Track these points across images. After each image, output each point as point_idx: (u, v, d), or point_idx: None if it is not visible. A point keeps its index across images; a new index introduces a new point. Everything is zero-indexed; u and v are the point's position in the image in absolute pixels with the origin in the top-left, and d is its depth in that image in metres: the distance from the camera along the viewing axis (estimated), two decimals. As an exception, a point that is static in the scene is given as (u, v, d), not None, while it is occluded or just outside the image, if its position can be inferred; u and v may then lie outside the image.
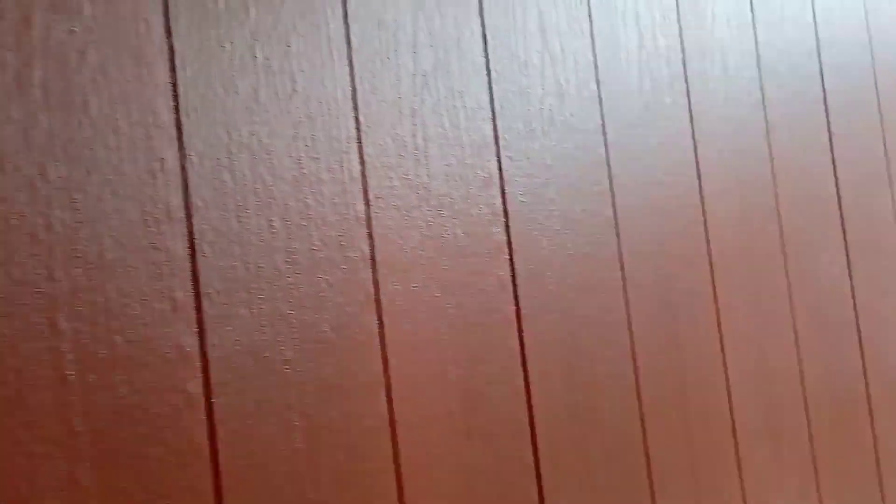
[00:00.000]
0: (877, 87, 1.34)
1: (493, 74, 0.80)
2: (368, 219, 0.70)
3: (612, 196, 0.90)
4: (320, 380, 0.65)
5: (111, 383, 0.55)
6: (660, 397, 0.92)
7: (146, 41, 0.58)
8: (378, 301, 0.69)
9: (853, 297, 1.24)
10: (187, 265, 0.59)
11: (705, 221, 1.02)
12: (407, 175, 0.73)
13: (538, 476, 0.79)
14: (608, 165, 0.90)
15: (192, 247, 0.60)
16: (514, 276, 0.80)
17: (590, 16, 0.91)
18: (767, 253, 1.11)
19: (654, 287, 0.94)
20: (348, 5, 0.69)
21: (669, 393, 0.94)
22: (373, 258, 0.69)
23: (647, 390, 0.91)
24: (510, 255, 0.80)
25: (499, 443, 0.77)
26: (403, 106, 0.73)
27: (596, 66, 0.91)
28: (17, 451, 0.51)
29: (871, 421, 1.24)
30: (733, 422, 1.01)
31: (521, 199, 0.81)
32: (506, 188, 0.80)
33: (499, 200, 0.79)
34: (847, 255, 1.24)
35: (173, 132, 0.59)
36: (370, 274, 0.69)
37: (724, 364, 1.01)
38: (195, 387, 0.59)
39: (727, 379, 1.01)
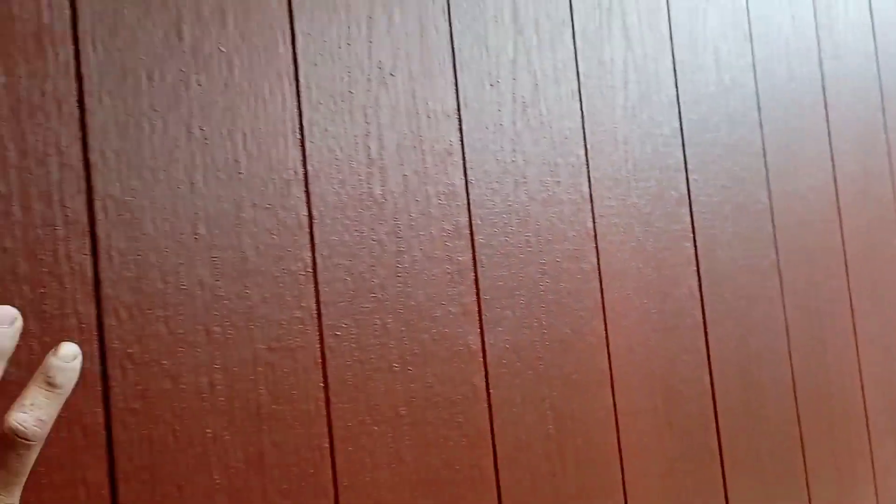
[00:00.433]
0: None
1: (683, 106, 0.89)
2: (595, 235, 0.79)
3: (772, 212, 0.99)
4: (563, 376, 0.75)
5: (423, 374, 0.65)
6: (810, 396, 1.02)
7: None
8: (604, 307, 0.79)
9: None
10: (471, 275, 0.69)
11: (842, 233, 1.11)
12: (622, 197, 0.82)
13: (721, 463, 0.89)
14: (768, 185, 0.99)
15: (474, 259, 0.69)
16: (700, 286, 0.89)
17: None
18: (887, 258, 1.19)
19: (805, 295, 1.03)
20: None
21: (818, 393, 1.03)
22: (599, 269, 0.79)
23: (801, 390, 1.00)
24: (697, 267, 0.89)
25: (692, 434, 0.86)
26: (618, 135, 0.83)
27: (757, 95, 1.00)
28: (361, 431, 0.61)
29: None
30: (867, 419, 1.10)
31: (705, 216, 0.91)
32: (693, 207, 0.90)
33: (688, 218, 0.89)
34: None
35: (459, 159, 0.69)
36: (598, 283, 0.79)
37: (859, 366, 1.10)
38: (479, 380, 0.69)
39: (861, 380, 1.11)
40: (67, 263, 0.50)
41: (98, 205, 0.51)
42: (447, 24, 0.70)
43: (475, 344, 0.69)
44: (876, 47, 1.21)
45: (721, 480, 0.89)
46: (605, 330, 0.79)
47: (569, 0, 0.79)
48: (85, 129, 0.51)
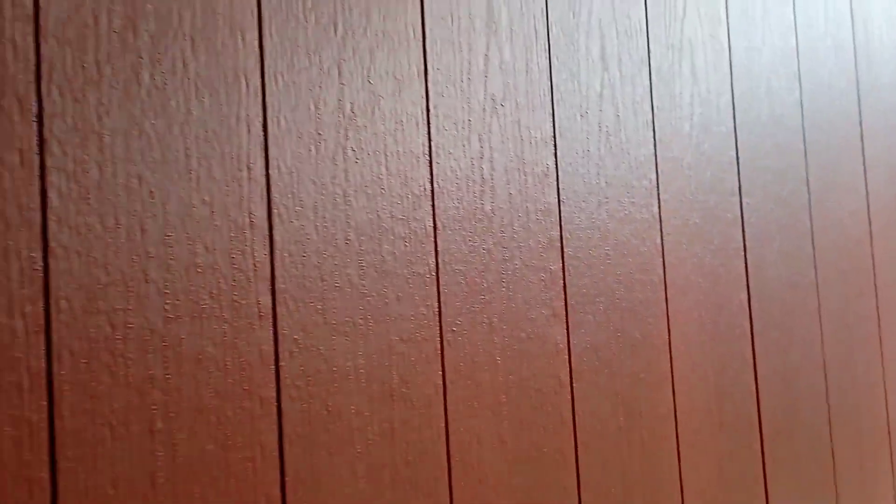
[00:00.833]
0: None
1: (739, 136, 0.99)
2: (663, 250, 0.89)
3: (812, 235, 1.09)
4: (633, 374, 0.84)
5: (519, 368, 0.75)
6: (841, 403, 1.11)
7: (549, 115, 0.77)
8: (668, 315, 0.88)
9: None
10: (561, 282, 0.79)
11: (873, 257, 1.20)
12: (685, 217, 0.92)
13: (763, 463, 0.98)
14: (810, 210, 1.09)
15: (563, 268, 0.79)
16: (749, 300, 0.99)
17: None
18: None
19: (838, 312, 1.12)
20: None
21: (847, 400, 1.12)
22: (665, 282, 0.89)
23: (833, 397, 1.10)
24: (747, 282, 0.99)
25: (739, 434, 0.96)
26: (684, 162, 0.92)
27: (803, 127, 1.10)
28: (470, 414, 0.71)
29: None
30: (888, 425, 1.20)
31: (755, 237, 1.00)
32: (745, 228, 0.99)
33: (740, 237, 0.98)
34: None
35: (553, 180, 0.79)
36: (663, 294, 0.88)
37: (883, 376, 1.20)
38: (564, 374, 0.78)
39: (885, 389, 1.20)
40: (252, 261, 0.59)
41: (275, 212, 0.61)
42: (547, 61, 0.79)
43: (562, 343, 0.78)
44: (908, 84, 1.31)
45: (762, 476, 0.98)
46: (668, 335, 0.89)
47: (647, 41, 0.89)
48: (267, 150, 0.60)
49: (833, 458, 1.09)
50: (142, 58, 0.55)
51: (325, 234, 0.63)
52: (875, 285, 1.20)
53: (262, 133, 0.60)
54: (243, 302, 0.58)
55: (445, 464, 0.69)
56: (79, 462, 0.50)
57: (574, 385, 0.79)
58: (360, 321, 0.65)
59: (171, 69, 0.56)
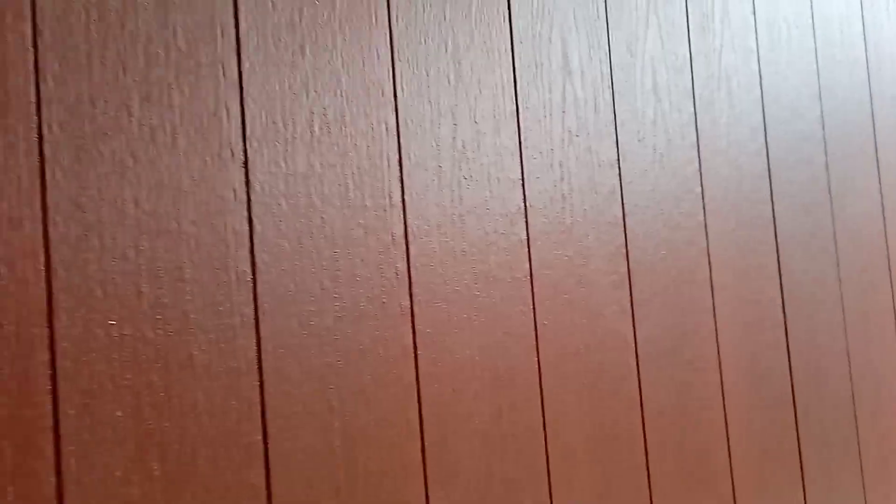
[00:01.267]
0: None
1: (770, 151, 1.13)
2: (709, 253, 1.03)
3: (835, 237, 1.23)
4: (686, 361, 0.99)
5: (597, 359, 0.89)
6: (862, 382, 1.25)
7: (616, 142, 0.92)
8: (714, 308, 1.02)
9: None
10: (627, 284, 0.93)
11: (888, 254, 1.34)
12: (725, 223, 1.06)
13: (799, 450, 1.12)
14: (832, 214, 1.23)
15: (629, 271, 0.93)
16: (782, 294, 1.13)
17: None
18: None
19: (859, 303, 1.26)
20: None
21: (867, 380, 1.26)
22: (711, 281, 1.03)
23: (855, 377, 1.23)
24: (780, 279, 1.13)
25: (772, 417, 1.10)
26: (722, 174, 1.06)
27: (825, 141, 1.24)
28: (562, 398, 0.85)
29: None
30: (906, 408, 1.34)
31: (785, 239, 1.14)
32: (777, 231, 1.13)
33: (773, 240, 1.12)
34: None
35: (618, 197, 0.93)
36: (710, 292, 1.02)
37: (900, 364, 1.34)
38: (633, 361, 0.92)
39: (902, 375, 1.34)
40: (394, 271, 0.73)
41: (410, 231, 0.75)
42: (611, 96, 0.94)
43: (629, 335, 0.93)
44: (915, 97, 1.45)
45: (798, 457, 1.12)
46: (715, 326, 1.03)
47: (691, 73, 1.03)
48: (402, 181, 0.75)
49: (857, 428, 1.23)
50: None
51: (446, 248, 0.77)
52: (891, 279, 1.34)
53: (398, 168, 0.74)
54: (389, 302, 0.73)
55: (543, 436, 0.83)
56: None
57: (641, 374, 0.93)
58: (475, 318, 0.79)
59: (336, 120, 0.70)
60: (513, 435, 0.80)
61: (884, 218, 1.34)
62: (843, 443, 1.21)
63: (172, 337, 0.61)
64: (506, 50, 0.84)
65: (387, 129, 0.74)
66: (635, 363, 0.93)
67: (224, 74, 0.65)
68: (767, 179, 1.13)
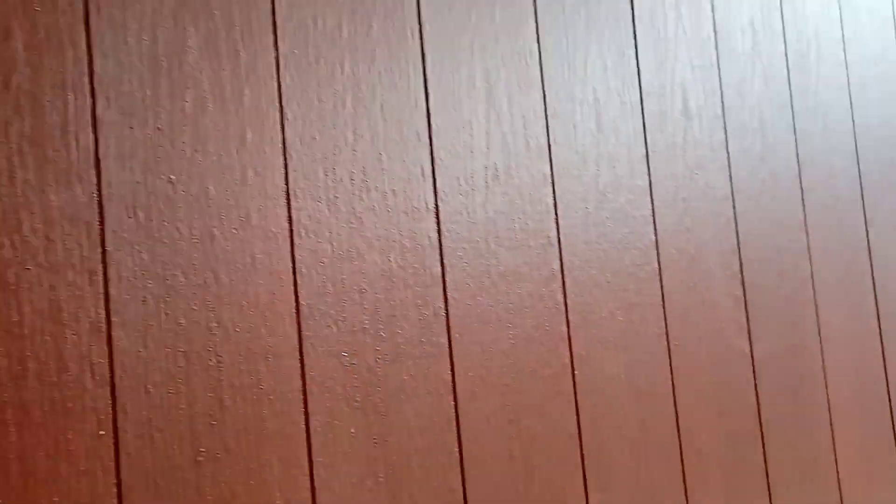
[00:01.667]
0: None
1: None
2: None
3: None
4: (798, 375, 1.08)
5: (714, 375, 0.99)
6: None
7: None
8: (818, 322, 1.12)
9: None
10: (743, 304, 1.02)
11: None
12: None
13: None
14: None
15: (744, 293, 1.03)
16: (878, 318, 1.21)
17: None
18: None
19: (892, 300, 1.34)
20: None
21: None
22: (816, 301, 1.12)
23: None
24: (875, 297, 1.21)
25: (875, 426, 1.18)
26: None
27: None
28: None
29: None
30: None
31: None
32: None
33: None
34: None
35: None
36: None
37: None
38: (750, 375, 1.02)
39: None
40: (554, 302, 0.84)
41: (565, 266, 0.86)
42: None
43: (746, 349, 1.02)
44: None
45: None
46: (819, 335, 1.12)
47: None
48: (557, 217, 0.85)
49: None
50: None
51: (595, 280, 0.88)
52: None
53: (554, 211, 0.85)
54: (551, 329, 0.84)
55: (678, 446, 0.93)
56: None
57: (758, 384, 1.03)
58: (619, 341, 0.89)
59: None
60: (655, 442, 0.91)
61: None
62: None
63: (389, 365, 0.73)
64: (636, 101, 0.94)
65: (544, 177, 0.85)
66: (752, 376, 1.02)
67: (419, 137, 0.77)
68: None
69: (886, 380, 1.21)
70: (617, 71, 0.93)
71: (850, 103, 1.23)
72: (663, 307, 0.94)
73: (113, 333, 0.59)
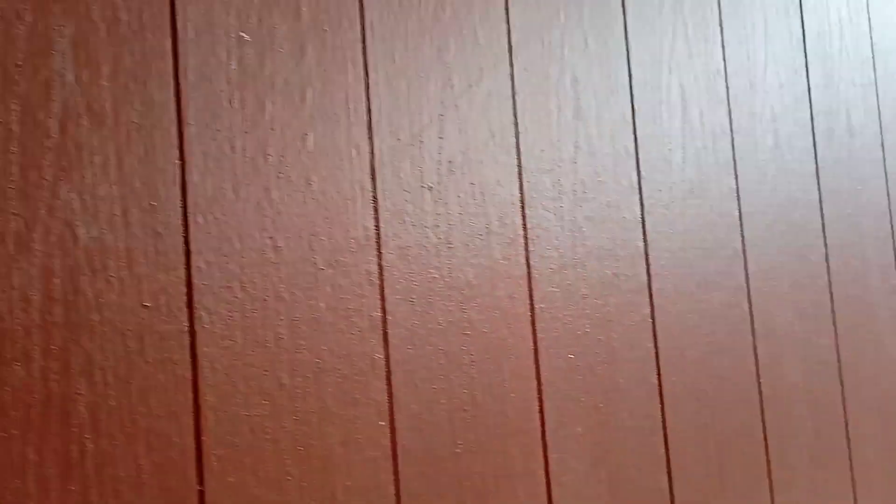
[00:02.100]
0: None
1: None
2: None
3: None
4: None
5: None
6: None
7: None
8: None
9: None
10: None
11: None
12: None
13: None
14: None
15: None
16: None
17: None
18: None
19: None
20: None
21: None
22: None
23: None
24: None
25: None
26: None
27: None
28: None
29: None
30: None
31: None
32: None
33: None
34: None
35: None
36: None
37: None
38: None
39: None
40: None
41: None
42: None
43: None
44: None
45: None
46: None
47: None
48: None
49: None
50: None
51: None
52: None
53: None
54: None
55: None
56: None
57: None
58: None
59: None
60: (826, 450, 0.93)
61: None
62: None
63: (606, 367, 0.76)
64: (808, 119, 0.98)
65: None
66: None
67: (627, 151, 0.80)
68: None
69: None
70: (790, 89, 0.96)
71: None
72: (833, 318, 0.96)
73: (388, 331, 0.64)
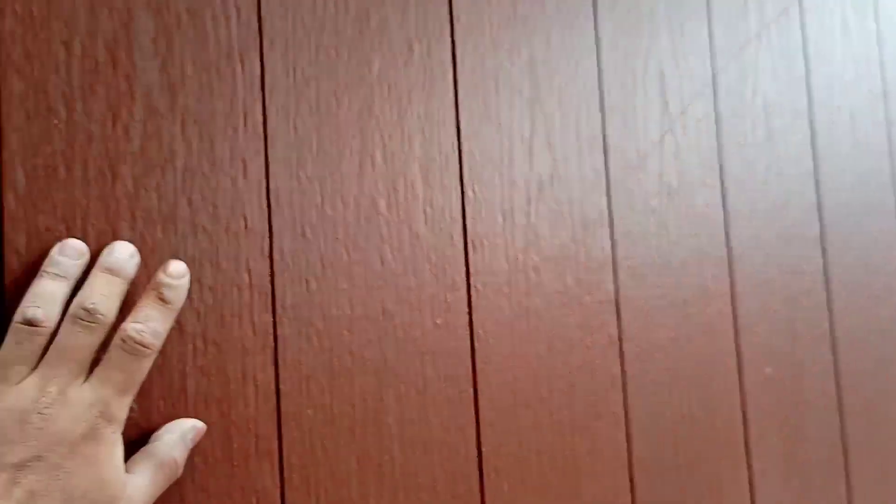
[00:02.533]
0: None
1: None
2: (829, 296, 1.17)
3: None
4: None
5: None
6: None
7: None
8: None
9: None
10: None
11: None
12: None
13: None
14: None
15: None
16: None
17: None
18: None
19: None
20: None
21: None
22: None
23: None
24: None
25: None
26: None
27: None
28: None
29: None
30: None
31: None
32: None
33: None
34: None
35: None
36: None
37: None
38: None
39: None
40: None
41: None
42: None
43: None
44: None
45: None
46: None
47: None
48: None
49: None
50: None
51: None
52: None
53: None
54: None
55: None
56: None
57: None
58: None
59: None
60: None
61: None
62: None
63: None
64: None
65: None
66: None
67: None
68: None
69: None
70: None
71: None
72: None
73: (623, 349, 0.67)
